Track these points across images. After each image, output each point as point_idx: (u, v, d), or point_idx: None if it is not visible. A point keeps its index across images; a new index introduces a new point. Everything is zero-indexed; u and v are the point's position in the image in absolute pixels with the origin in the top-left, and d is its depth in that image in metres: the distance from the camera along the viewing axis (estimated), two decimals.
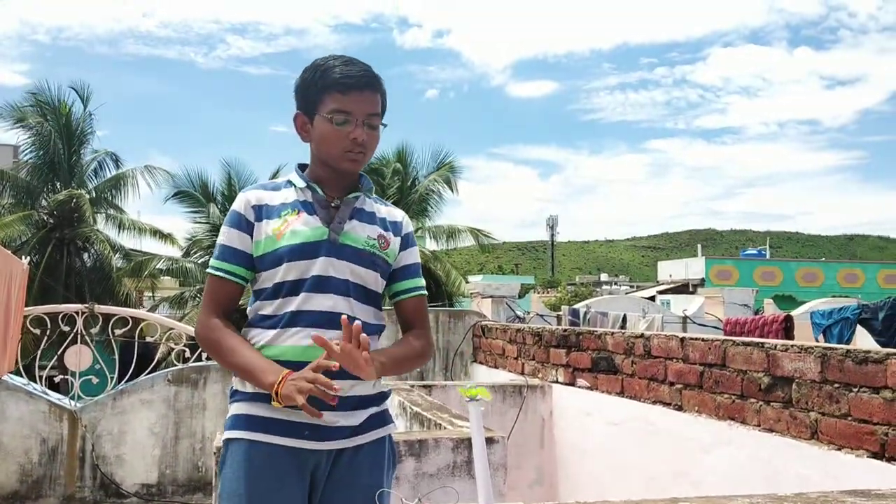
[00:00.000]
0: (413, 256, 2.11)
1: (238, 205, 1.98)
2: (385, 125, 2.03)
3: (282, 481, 1.86)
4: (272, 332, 1.91)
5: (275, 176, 16.97)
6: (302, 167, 2.06)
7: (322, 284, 1.91)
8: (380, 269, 2.00)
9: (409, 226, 2.13)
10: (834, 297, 18.81)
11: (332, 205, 1.99)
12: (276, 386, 1.79)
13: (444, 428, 3.52)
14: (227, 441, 1.91)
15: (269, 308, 1.93)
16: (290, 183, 2.03)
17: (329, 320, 1.89)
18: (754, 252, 36.85)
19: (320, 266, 1.91)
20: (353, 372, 1.76)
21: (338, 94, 1.92)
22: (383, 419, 1.97)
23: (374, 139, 1.99)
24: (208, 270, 1.99)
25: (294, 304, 1.90)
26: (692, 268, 30.85)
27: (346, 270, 1.93)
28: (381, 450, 1.97)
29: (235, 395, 1.94)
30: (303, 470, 1.88)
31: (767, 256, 35.43)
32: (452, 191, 21.80)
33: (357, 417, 1.92)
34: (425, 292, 2.13)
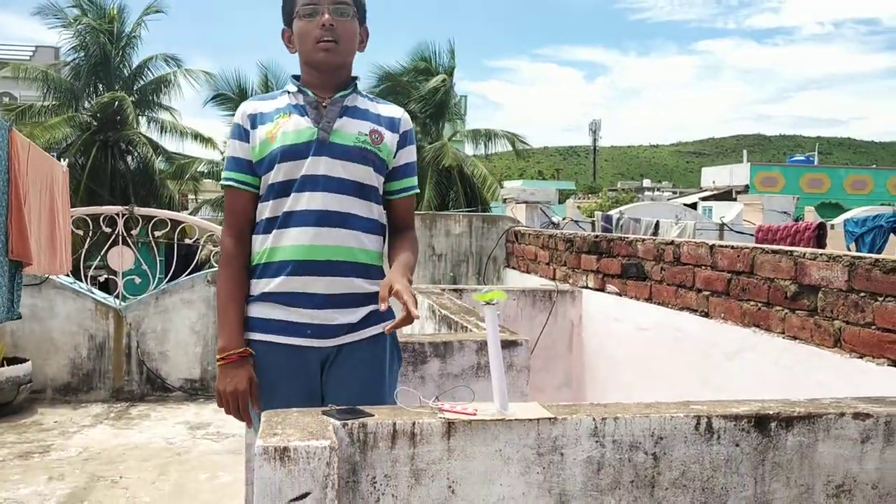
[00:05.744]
0: (410, 155, 2.14)
1: (237, 117, 2.07)
2: (362, 21, 2.08)
3: (288, 379, 1.96)
4: (272, 235, 1.98)
5: None
6: (297, 77, 2.11)
7: (312, 183, 1.96)
8: (372, 164, 2.03)
9: (407, 123, 2.15)
10: (883, 205, 18.36)
11: (323, 105, 2.03)
12: (222, 357, 1.94)
13: (470, 331, 3.59)
14: (246, 341, 2.01)
15: (267, 211, 2.01)
16: (285, 91, 2.10)
17: (320, 218, 1.96)
18: (802, 158, 35.93)
19: (309, 165, 1.97)
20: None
21: None
22: (382, 316, 2.01)
23: (347, 28, 2.02)
24: (220, 183, 2.10)
25: (287, 204, 1.97)
26: (737, 174, 30.26)
27: (338, 168, 1.98)
28: (380, 345, 2.03)
29: (248, 298, 2.03)
30: (309, 368, 1.97)
31: (816, 163, 34.51)
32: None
33: (356, 314, 1.99)
34: (417, 190, 2.18)
